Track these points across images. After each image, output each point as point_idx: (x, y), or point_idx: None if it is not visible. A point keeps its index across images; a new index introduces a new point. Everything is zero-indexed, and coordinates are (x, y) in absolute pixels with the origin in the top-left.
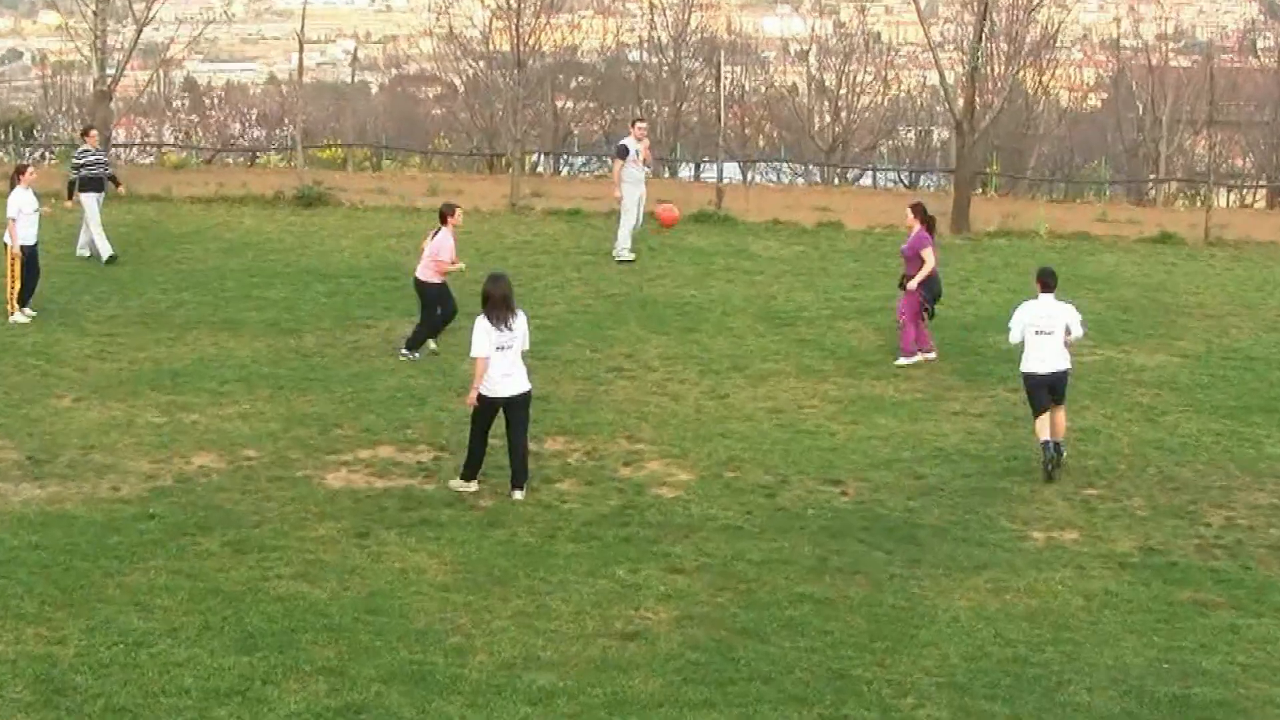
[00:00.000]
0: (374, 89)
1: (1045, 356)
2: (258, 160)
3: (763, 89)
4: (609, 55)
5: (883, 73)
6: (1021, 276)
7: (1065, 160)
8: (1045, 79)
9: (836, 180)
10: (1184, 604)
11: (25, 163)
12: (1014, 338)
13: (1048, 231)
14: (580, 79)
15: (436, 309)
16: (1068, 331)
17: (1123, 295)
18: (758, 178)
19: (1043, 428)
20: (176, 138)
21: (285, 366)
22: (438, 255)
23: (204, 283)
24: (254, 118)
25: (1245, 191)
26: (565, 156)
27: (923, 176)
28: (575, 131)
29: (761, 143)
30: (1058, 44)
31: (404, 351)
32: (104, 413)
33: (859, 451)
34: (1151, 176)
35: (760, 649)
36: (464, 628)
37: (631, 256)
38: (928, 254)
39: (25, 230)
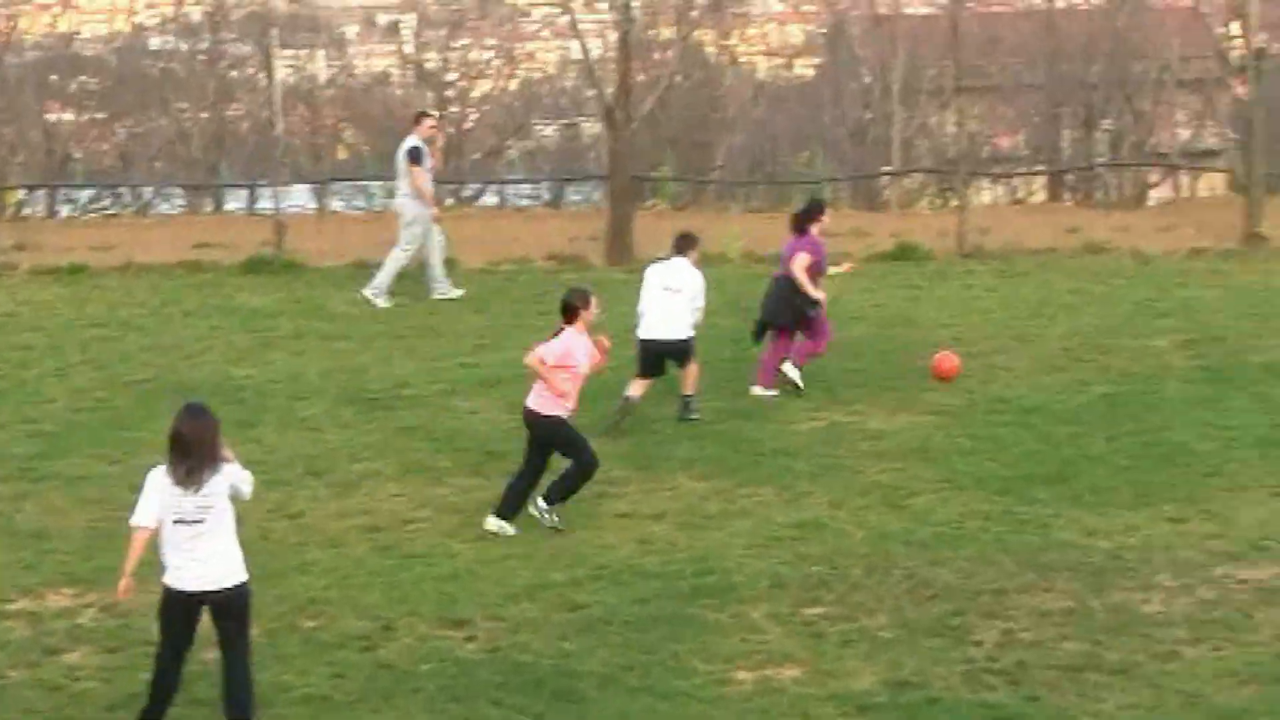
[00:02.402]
0: None
1: (668, 319)
2: None
3: (342, 79)
4: (121, 44)
5: (508, 47)
6: (708, 319)
7: (766, 153)
8: (733, 42)
9: (451, 200)
10: None
11: None
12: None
13: (742, 253)
14: (82, 79)
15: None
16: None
17: (849, 335)
18: (338, 204)
19: (637, 386)
20: None
21: None
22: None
23: None
24: None
25: (1016, 182)
26: (63, 191)
27: (570, 188)
28: (76, 155)
29: (342, 155)
30: None
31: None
32: None
33: (490, 579)
34: (885, 169)
35: None
36: None
37: (388, 303)
38: (798, 261)
39: None
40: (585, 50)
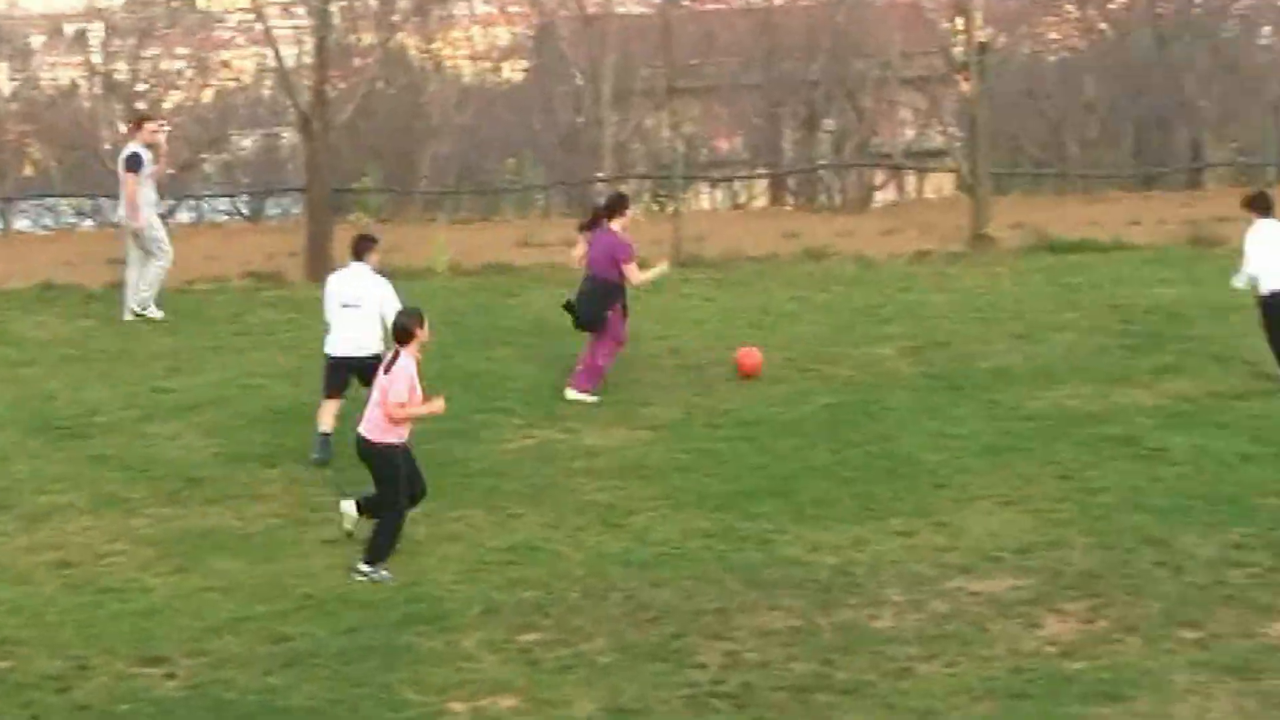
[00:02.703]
0: None
1: (354, 335)
2: None
3: (26, 92)
4: None
5: (201, 56)
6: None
7: (474, 161)
8: (437, 46)
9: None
10: None
11: None
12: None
13: (450, 266)
14: None
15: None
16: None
17: (562, 350)
18: (24, 223)
19: (328, 416)
20: None
21: None
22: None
23: None
24: None
25: (737, 186)
26: None
27: (269, 201)
28: None
29: (28, 171)
30: None
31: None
32: None
33: (190, 613)
34: (599, 176)
35: None
36: None
37: (160, 314)
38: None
39: None
40: (279, 57)
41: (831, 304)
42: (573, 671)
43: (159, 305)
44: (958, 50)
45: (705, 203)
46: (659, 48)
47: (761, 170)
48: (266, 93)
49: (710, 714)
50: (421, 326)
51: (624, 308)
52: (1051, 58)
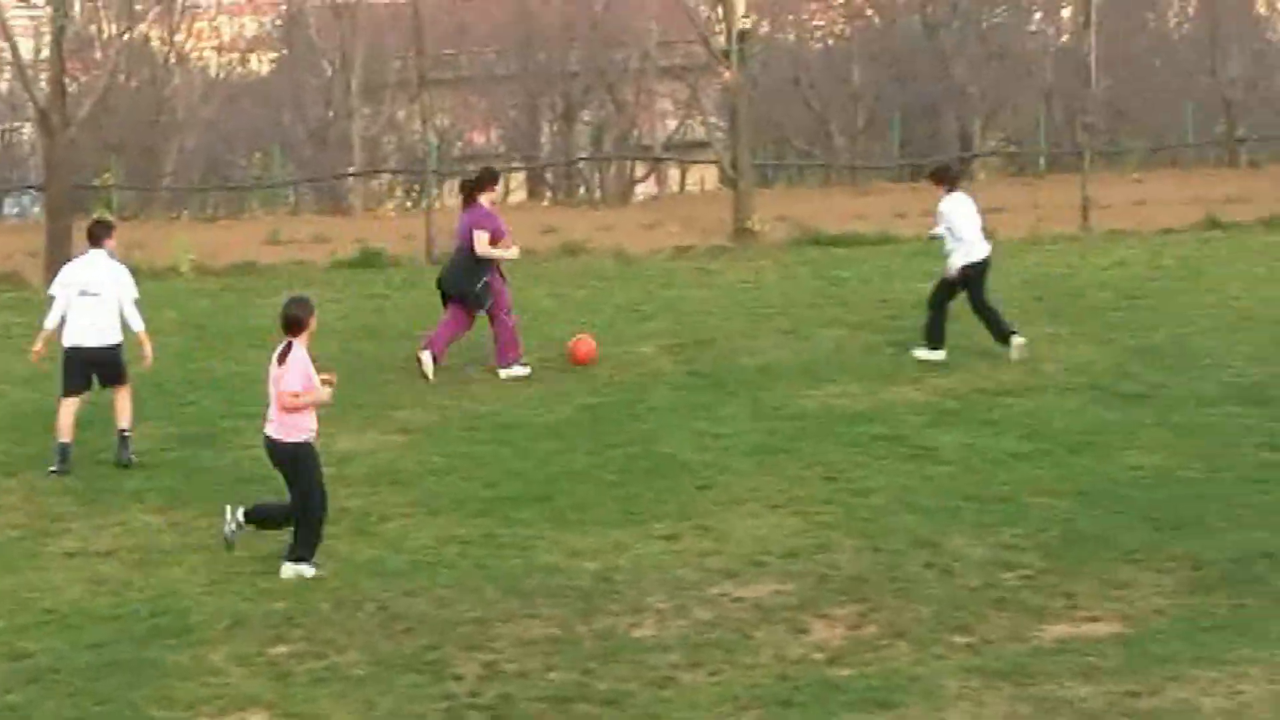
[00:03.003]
0: None
1: (94, 324)
2: None
3: None
4: None
5: None
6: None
7: (221, 157)
8: (182, 38)
9: None
10: None
11: None
12: (56, 309)
13: (193, 266)
14: None
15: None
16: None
17: (316, 349)
18: None
19: (66, 424)
20: None
21: None
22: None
23: None
24: None
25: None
26: None
27: (7, 200)
28: None
29: None
30: None
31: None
32: None
33: None
34: (349, 170)
35: None
36: None
37: None
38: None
39: None
40: (15, 49)
41: (591, 301)
42: (325, 685)
43: None
44: (719, 38)
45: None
46: (411, 38)
47: (518, 164)
48: (3, 86)
49: None
50: (312, 315)
51: (502, 275)
52: (817, 45)
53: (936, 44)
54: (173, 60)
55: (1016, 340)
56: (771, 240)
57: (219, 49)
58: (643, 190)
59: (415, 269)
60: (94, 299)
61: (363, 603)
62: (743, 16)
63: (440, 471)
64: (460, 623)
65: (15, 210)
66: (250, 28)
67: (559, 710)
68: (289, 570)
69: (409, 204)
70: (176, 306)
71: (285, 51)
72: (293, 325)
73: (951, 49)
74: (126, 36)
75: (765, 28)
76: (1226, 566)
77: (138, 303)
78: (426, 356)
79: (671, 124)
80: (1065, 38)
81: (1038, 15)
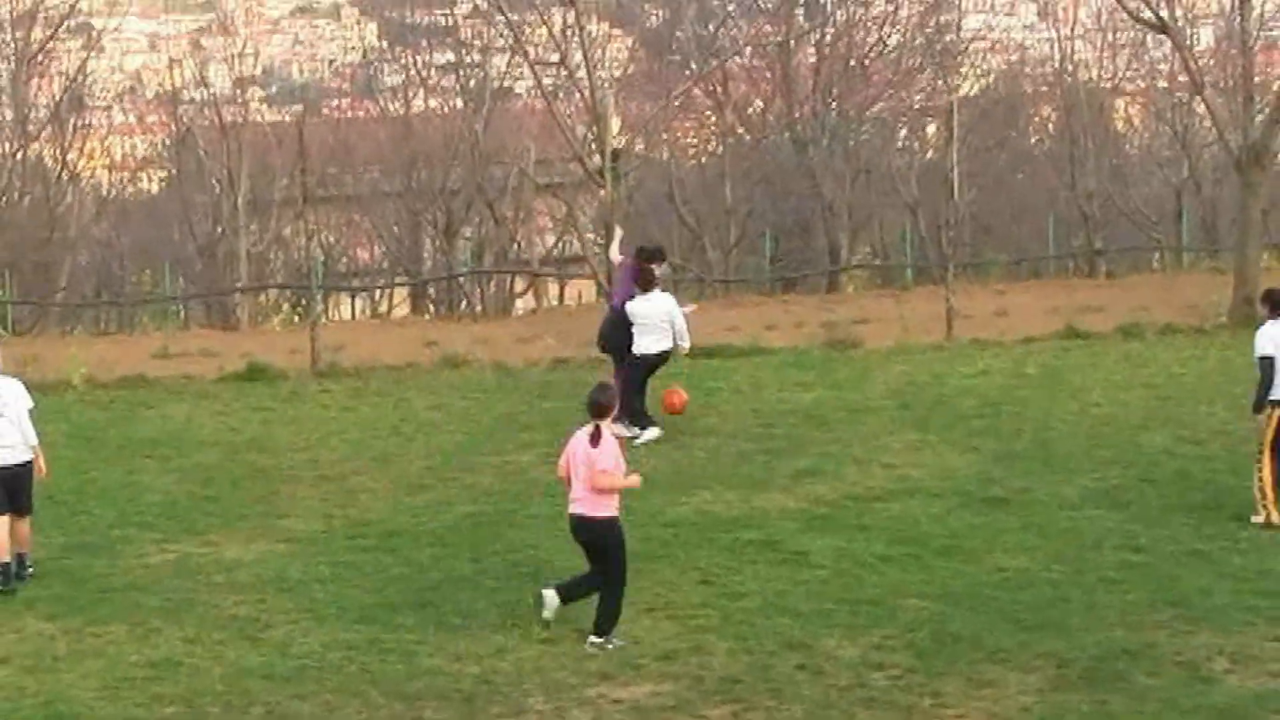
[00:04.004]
0: None
1: (6, 443)
2: None
3: None
4: None
5: None
6: (75, 452)
7: (113, 273)
8: (74, 156)
9: None
10: None
11: None
12: None
13: (84, 379)
14: None
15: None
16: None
17: (201, 462)
18: None
19: (1, 540)
20: None
21: None
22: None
23: None
24: None
25: (378, 295)
26: None
27: None
28: None
29: None
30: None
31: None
32: None
33: None
34: (237, 286)
35: None
36: None
37: None
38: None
39: None
40: None
41: (471, 412)
42: None
43: None
44: (594, 157)
45: (346, 312)
46: (296, 157)
47: (401, 279)
48: None
49: None
50: (616, 401)
51: None
52: (691, 163)
53: (806, 161)
54: (65, 178)
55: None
56: None
57: (110, 167)
58: (522, 304)
59: (300, 382)
60: (2, 419)
61: (250, 706)
62: (616, 135)
63: (325, 579)
64: None
65: None
66: (141, 147)
67: None
68: (595, 643)
69: (295, 318)
70: (68, 419)
71: (174, 170)
72: (602, 410)
73: (820, 166)
74: (19, 155)
75: (640, 146)
76: (1088, 664)
77: (31, 414)
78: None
79: (550, 239)
80: (930, 154)
81: (903, 132)
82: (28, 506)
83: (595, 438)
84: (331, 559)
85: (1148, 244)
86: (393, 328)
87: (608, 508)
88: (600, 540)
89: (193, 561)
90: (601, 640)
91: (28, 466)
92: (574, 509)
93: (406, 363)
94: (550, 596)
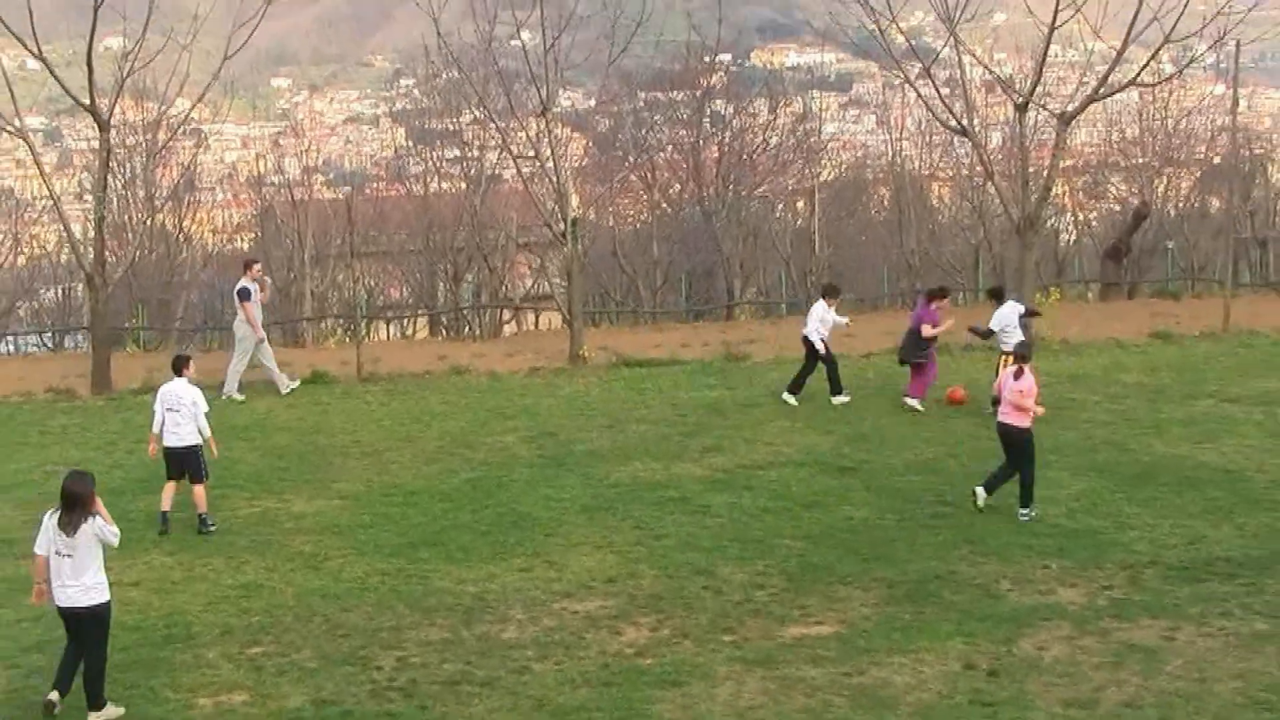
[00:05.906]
0: None
1: (177, 430)
2: None
3: None
4: None
5: (16, 231)
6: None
7: (215, 307)
8: (187, 223)
9: None
10: None
11: None
12: (155, 420)
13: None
14: None
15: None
16: None
17: (277, 442)
18: None
19: (166, 498)
20: None
21: None
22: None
23: None
24: None
25: (405, 323)
26: None
27: (67, 337)
28: None
29: None
30: (200, 186)
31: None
32: None
33: (7, 637)
34: (305, 316)
35: None
36: None
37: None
38: (925, 328)
39: None
40: (70, 233)
41: (471, 406)
42: (287, 674)
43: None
44: (560, 224)
45: (382, 335)
46: (347, 223)
47: (422, 311)
48: (64, 258)
49: (387, 703)
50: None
51: (933, 353)
52: (628, 227)
53: (711, 227)
54: (181, 239)
55: None
56: (596, 363)
57: (214, 231)
58: (508, 329)
59: (349, 385)
60: (175, 413)
61: (313, 616)
62: (575, 208)
63: (367, 525)
64: (381, 630)
65: (72, 344)
66: (235, 217)
67: (449, 691)
68: (1024, 514)
69: (346, 339)
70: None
71: (259, 233)
72: (1024, 357)
73: (721, 230)
74: (148, 222)
75: (592, 215)
76: (911, 586)
77: (208, 415)
78: (913, 401)
79: (528, 282)
80: (799, 222)
81: (780, 207)
82: (197, 477)
83: (1017, 374)
84: (371, 511)
85: (955, 285)
86: (416, 346)
87: (1024, 419)
88: (1016, 441)
89: (271, 513)
90: (1027, 510)
91: (194, 449)
92: (999, 418)
93: (425, 371)
94: (980, 491)
